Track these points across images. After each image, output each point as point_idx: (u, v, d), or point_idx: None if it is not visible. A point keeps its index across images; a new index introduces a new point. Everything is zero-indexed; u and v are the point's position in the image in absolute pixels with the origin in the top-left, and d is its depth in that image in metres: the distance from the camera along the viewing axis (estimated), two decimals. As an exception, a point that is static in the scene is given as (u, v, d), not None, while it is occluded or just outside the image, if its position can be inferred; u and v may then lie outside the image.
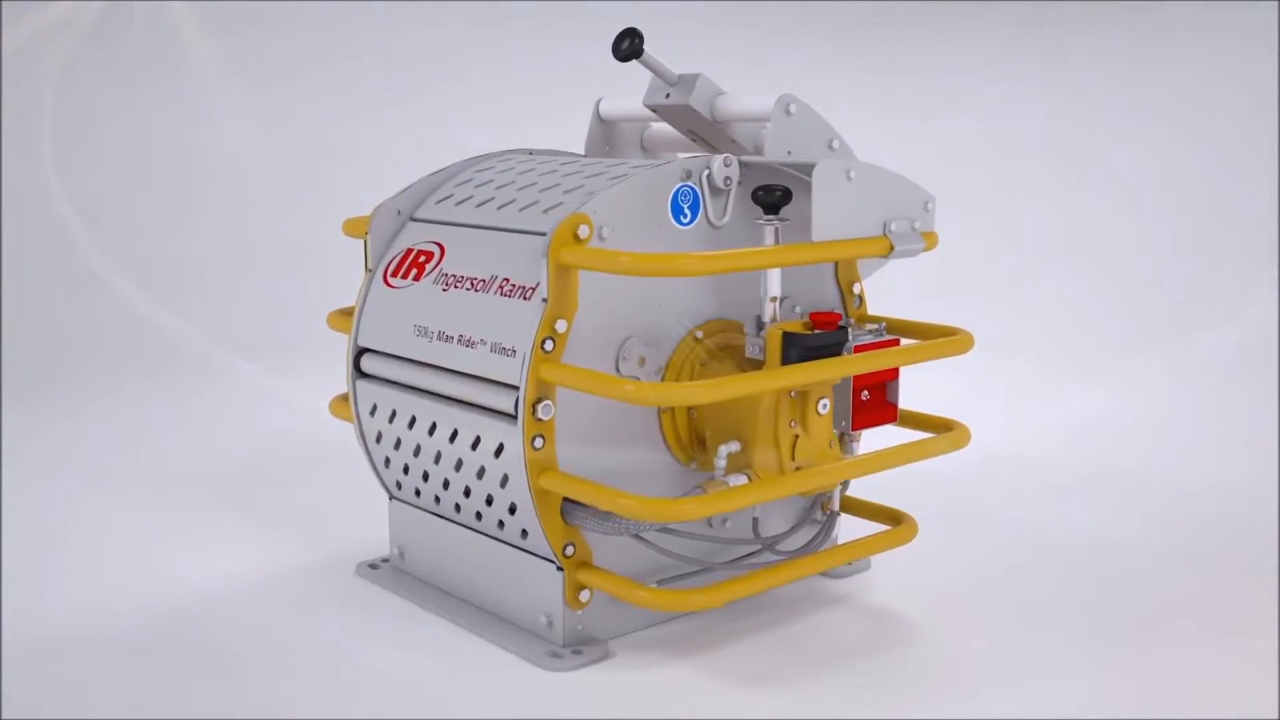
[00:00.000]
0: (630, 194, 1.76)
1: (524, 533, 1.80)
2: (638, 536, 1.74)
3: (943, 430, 1.96)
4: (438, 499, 1.95)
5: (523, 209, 1.87)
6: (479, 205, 1.95)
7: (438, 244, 1.95)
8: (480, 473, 1.82)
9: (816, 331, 1.75)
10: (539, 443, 1.71)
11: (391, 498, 2.08)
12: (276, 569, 2.13)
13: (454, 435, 1.85)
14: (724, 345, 1.88)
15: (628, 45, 1.99)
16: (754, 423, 1.76)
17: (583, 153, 2.24)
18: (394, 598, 2.00)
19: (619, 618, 1.85)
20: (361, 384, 2.01)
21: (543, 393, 1.70)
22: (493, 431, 1.77)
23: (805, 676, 1.75)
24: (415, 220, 2.03)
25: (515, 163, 2.06)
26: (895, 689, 1.72)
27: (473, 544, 1.92)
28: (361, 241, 2.07)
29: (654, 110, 2.11)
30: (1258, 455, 2.74)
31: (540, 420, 1.71)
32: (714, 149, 2.17)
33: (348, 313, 2.12)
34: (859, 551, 1.89)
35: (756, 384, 1.67)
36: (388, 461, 2.02)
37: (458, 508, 1.92)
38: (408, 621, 1.92)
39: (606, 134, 2.26)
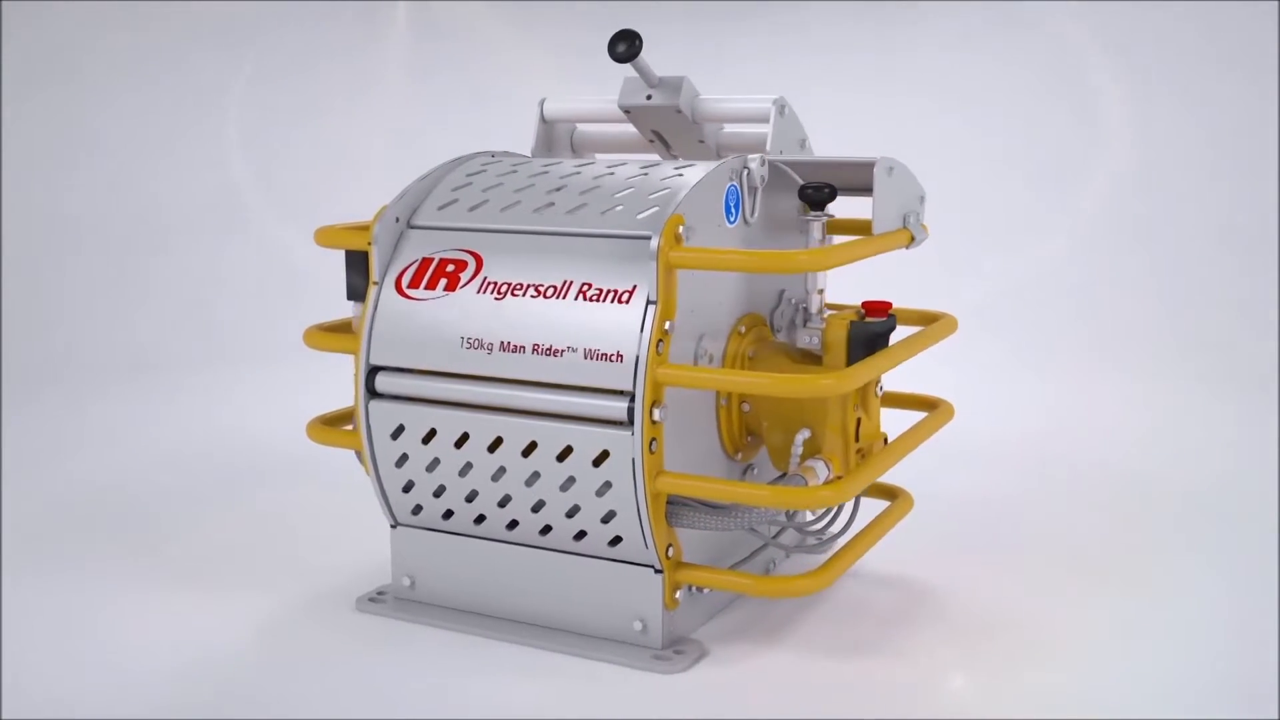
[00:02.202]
0: (702, 194, 1.78)
1: (615, 540, 1.77)
2: (752, 529, 1.78)
3: (927, 408, 2.12)
4: (481, 518, 1.86)
5: (571, 212, 1.82)
6: (504, 209, 1.87)
7: (469, 252, 1.85)
8: (566, 484, 1.77)
9: (874, 320, 1.86)
10: (654, 446, 1.70)
11: (396, 525, 1.95)
12: (268, 613, 1.94)
13: (529, 449, 1.78)
14: (759, 338, 1.94)
15: (625, 48, 1.99)
16: (825, 410, 1.83)
17: (528, 153, 2.20)
18: (430, 629, 1.88)
19: (693, 614, 1.87)
20: (377, 405, 1.87)
21: (657, 395, 1.69)
22: (591, 440, 1.72)
23: (899, 639, 1.86)
24: (415, 228, 1.91)
25: (511, 165, 1.99)
26: (988, 633, 1.87)
27: (527, 560, 1.85)
28: (340, 252, 1.93)
29: (627, 111, 2.12)
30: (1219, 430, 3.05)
31: (655, 423, 1.69)
32: (670, 150, 2.21)
33: (332, 329, 1.96)
34: (885, 525, 2.01)
35: (889, 361, 1.79)
36: (409, 486, 1.89)
37: (513, 524, 1.84)
38: (471, 649, 1.82)
39: (548, 135, 2.23)
